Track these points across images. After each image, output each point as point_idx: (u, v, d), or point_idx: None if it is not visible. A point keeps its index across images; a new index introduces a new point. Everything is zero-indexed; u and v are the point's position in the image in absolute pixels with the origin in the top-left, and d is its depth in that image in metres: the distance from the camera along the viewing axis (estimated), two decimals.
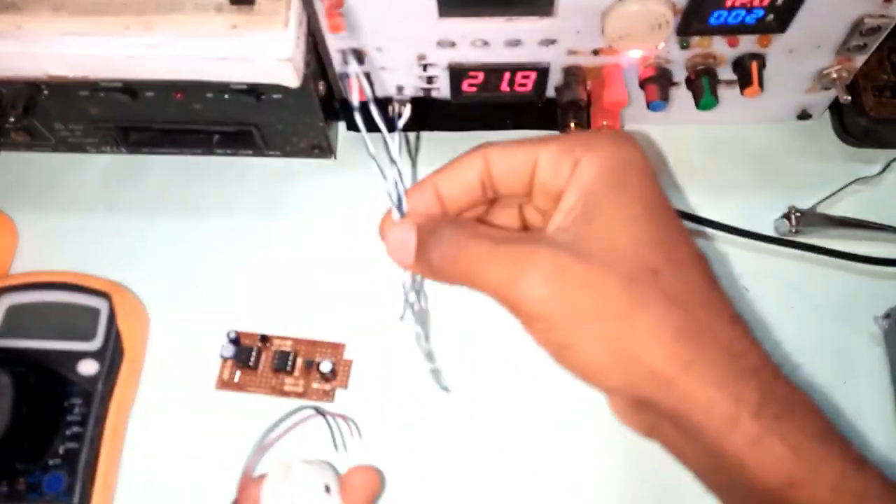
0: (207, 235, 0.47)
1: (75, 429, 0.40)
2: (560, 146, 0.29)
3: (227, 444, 0.41)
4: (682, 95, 0.44)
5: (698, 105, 0.42)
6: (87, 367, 0.41)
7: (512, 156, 0.30)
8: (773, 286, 0.45)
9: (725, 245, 0.45)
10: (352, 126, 0.49)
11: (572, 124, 0.44)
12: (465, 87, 0.44)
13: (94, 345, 0.41)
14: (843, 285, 0.45)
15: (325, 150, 0.47)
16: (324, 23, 0.38)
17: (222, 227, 0.47)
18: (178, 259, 0.46)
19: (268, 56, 0.39)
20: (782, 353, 0.43)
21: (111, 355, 0.41)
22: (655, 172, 0.29)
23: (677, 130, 0.48)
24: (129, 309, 0.43)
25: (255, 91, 0.41)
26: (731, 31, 0.39)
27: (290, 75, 0.39)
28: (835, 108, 0.48)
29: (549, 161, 0.29)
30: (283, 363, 0.42)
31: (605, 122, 0.43)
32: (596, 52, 0.41)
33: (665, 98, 0.42)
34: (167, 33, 0.38)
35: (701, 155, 0.48)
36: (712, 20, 0.38)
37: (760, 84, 0.41)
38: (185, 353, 0.44)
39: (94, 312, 0.42)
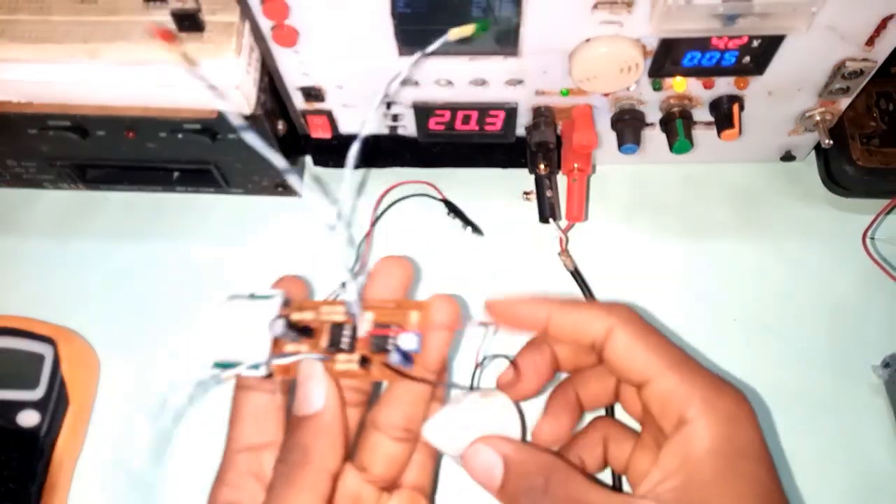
0: (165, 276, 0.45)
1: (11, 485, 0.37)
2: (682, 384, 0.29)
3: (179, 501, 0.40)
4: (656, 136, 0.42)
5: (672, 149, 0.40)
6: (28, 418, 0.39)
7: (632, 352, 0.30)
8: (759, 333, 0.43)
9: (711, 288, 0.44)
10: (318, 161, 0.48)
11: (542, 166, 0.42)
12: (431, 125, 0.42)
13: (37, 394, 0.39)
14: (835, 332, 0.43)
15: (289, 188, 0.46)
16: (269, 37, 0.36)
17: (182, 268, 0.45)
18: (134, 301, 0.44)
19: (217, 83, 0.37)
20: (775, 408, 0.41)
21: (54, 405, 0.39)
22: (771, 459, 0.28)
23: (651, 165, 0.46)
24: (75, 355, 0.41)
25: (209, 131, 0.39)
26: (707, 73, 0.37)
27: (240, 102, 0.38)
28: (821, 153, 0.45)
29: (663, 390, 0.29)
30: None
31: (576, 165, 0.41)
32: (565, 93, 0.39)
33: (637, 141, 0.40)
34: (113, 61, 0.37)
35: (678, 193, 0.46)
36: (685, 62, 0.36)
37: (739, 127, 0.39)
38: (139, 401, 0.42)
39: (38, 359, 0.40)
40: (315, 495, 0.29)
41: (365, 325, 0.32)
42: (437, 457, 0.35)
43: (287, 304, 0.33)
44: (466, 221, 0.46)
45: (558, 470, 0.29)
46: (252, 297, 0.32)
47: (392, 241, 0.45)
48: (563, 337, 0.32)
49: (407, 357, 0.31)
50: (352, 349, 0.32)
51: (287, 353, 0.32)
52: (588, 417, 0.37)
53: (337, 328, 0.32)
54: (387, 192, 0.46)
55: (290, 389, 0.32)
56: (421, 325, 0.31)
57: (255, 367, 0.31)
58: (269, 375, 0.31)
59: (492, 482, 0.29)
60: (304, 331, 0.32)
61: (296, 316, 0.32)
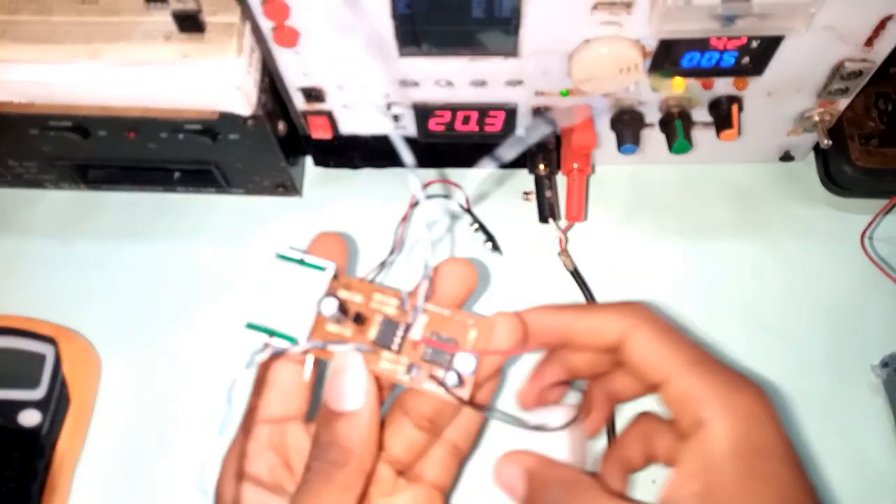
0: (166, 276, 0.45)
1: (12, 484, 0.38)
2: (698, 384, 0.28)
3: (180, 499, 0.40)
4: (655, 136, 0.42)
5: (671, 149, 0.40)
6: (29, 418, 0.39)
7: (649, 352, 0.30)
8: (758, 332, 0.43)
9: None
10: (319, 161, 0.48)
11: (542, 166, 0.42)
12: (432, 125, 0.42)
13: (38, 393, 0.39)
14: (834, 332, 0.43)
15: (289, 188, 0.46)
16: (270, 38, 0.36)
17: (183, 268, 0.45)
18: (135, 301, 0.44)
19: (218, 84, 0.37)
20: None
21: (56, 404, 0.40)
22: (795, 456, 0.28)
23: (651, 166, 0.47)
24: (77, 355, 0.41)
25: (210, 131, 0.40)
26: (706, 73, 0.38)
27: (241, 103, 0.38)
28: (820, 153, 0.46)
29: (679, 390, 0.29)
30: None
31: (575, 165, 0.42)
32: (565, 93, 0.39)
33: (636, 141, 0.40)
34: (114, 61, 0.37)
35: (677, 194, 0.46)
36: (684, 62, 0.37)
37: (738, 128, 0.39)
38: (141, 401, 0.42)
39: (39, 359, 0.40)
40: (353, 496, 0.29)
41: (419, 330, 0.30)
42: (461, 458, 0.34)
43: (335, 276, 0.31)
44: (489, 236, 0.44)
45: (579, 485, 0.29)
46: (302, 262, 0.31)
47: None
48: (582, 343, 0.31)
49: (460, 378, 0.30)
50: (399, 351, 0.30)
51: (330, 335, 0.30)
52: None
53: (389, 324, 0.30)
54: (427, 185, 0.45)
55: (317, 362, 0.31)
56: (478, 345, 0.30)
57: (293, 340, 0.29)
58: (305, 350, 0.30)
59: (516, 494, 0.30)
60: (355, 317, 0.31)
61: (343, 294, 0.31)
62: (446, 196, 0.45)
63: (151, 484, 0.40)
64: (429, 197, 0.44)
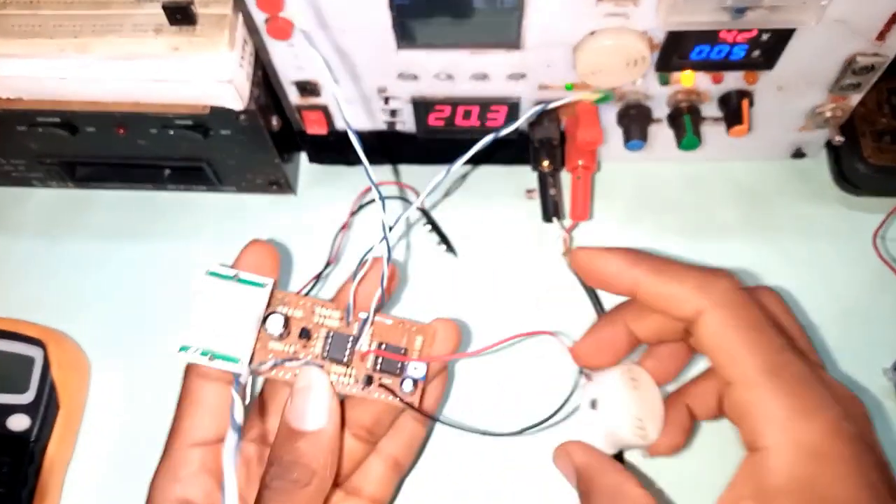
0: (158, 277, 0.44)
1: (2, 490, 0.37)
2: (763, 399, 0.25)
3: None
4: (663, 132, 0.41)
5: (680, 145, 0.39)
6: (18, 422, 0.38)
7: (720, 344, 0.27)
8: None
9: None
10: (314, 158, 0.47)
11: (546, 163, 0.41)
12: (431, 120, 0.41)
13: (27, 398, 0.38)
14: (844, 334, 0.41)
15: (283, 186, 0.45)
16: (263, 30, 0.35)
17: (173, 268, 0.44)
18: (125, 303, 0.43)
19: (209, 78, 0.36)
20: None
21: (45, 409, 0.38)
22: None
23: (658, 163, 0.45)
24: (66, 358, 0.40)
25: (202, 127, 0.38)
26: (715, 66, 0.36)
27: (233, 97, 0.37)
28: (831, 150, 0.44)
29: (742, 400, 0.25)
30: None
31: (580, 162, 0.40)
32: (569, 87, 0.38)
33: (644, 137, 0.39)
34: (104, 55, 0.36)
35: (685, 192, 0.45)
36: (694, 55, 0.35)
37: (748, 123, 0.38)
38: (132, 405, 0.41)
39: (28, 362, 0.39)
40: None
41: (366, 340, 0.31)
42: (401, 473, 0.34)
43: (272, 292, 0.31)
44: (442, 237, 0.44)
45: (623, 501, 0.28)
46: (237, 279, 0.30)
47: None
48: (651, 306, 0.29)
49: (414, 385, 0.31)
50: (349, 363, 0.31)
51: (274, 353, 0.30)
52: None
53: (337, 338, 0.31)
54: (366, 191, 0.44)
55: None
56: (425, 351, 0.31)
57: (235, 360, 0.29)
58: None
59: (571, 483, 0.31)
60: (301, 333, 0.31)
61: (283, 310, 0.31)
62: (402, 198, 0.45)
63: (143, 490, 0.39)
64: (370, 202, 0.44)
